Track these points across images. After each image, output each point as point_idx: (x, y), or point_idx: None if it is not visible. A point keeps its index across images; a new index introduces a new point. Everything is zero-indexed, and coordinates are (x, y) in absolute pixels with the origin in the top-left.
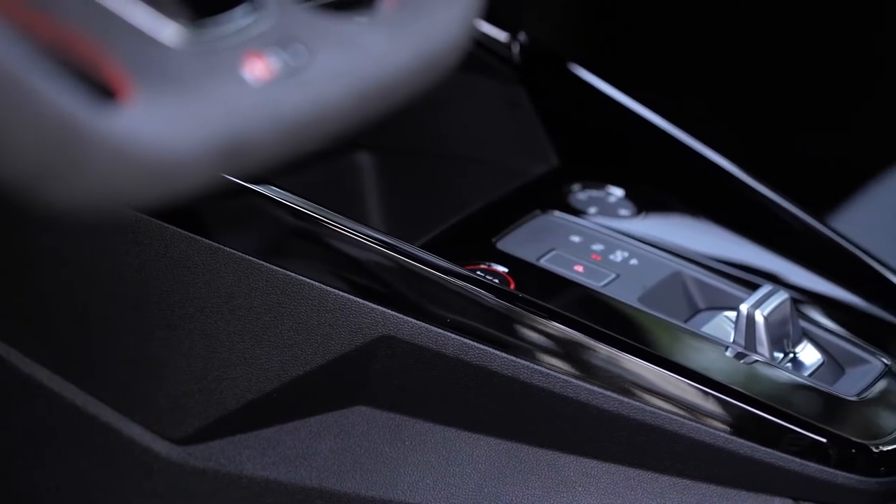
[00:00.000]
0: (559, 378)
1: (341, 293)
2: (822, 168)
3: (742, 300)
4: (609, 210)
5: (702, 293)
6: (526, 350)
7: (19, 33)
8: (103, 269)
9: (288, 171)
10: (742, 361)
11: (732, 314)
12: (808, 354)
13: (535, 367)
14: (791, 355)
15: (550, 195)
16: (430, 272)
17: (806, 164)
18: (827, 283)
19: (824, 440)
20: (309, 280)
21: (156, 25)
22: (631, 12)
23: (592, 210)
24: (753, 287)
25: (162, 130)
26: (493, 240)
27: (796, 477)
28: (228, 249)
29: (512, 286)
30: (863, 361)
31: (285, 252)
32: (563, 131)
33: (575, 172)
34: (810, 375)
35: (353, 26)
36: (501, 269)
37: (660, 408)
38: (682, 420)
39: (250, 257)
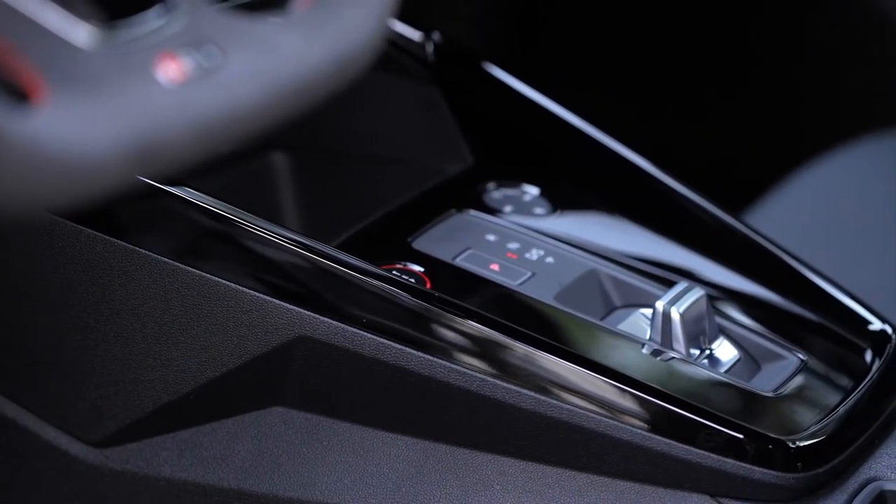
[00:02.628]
0: (476, 377)
1: (257, 294)
2: (736, 166)
3: (658, 297)
4: (524, 208)
5: (618, 291)
6: (443, 349)
7: None
8: (18, 271)
9: (203, 172)
10: (658, 358)
11: (648, 311)
12: (725, 351)
13: (452, 366)
14: (707, 352)
15: (465, 194)
16: (345, 272)
17: (719, 162)
18: (742, 280)
19: (741, 436)
20: (224, 281)
21: (68, 27)
22: (545, 11)
23: (508, 209)
24: (669, 284)
25: (75, 132)
26: (409, 239)
27: (714, 473)
28: (144, 251)
29: (428, 285)
30: (779, 357)
31: (201, 253)
32: (478, 130)
33: (490, 171)
34: (727, 372)
35: (267, 27)
36: (417, 268)
37: (577, 405)
38: (600, 417)
39: (166, 259)
